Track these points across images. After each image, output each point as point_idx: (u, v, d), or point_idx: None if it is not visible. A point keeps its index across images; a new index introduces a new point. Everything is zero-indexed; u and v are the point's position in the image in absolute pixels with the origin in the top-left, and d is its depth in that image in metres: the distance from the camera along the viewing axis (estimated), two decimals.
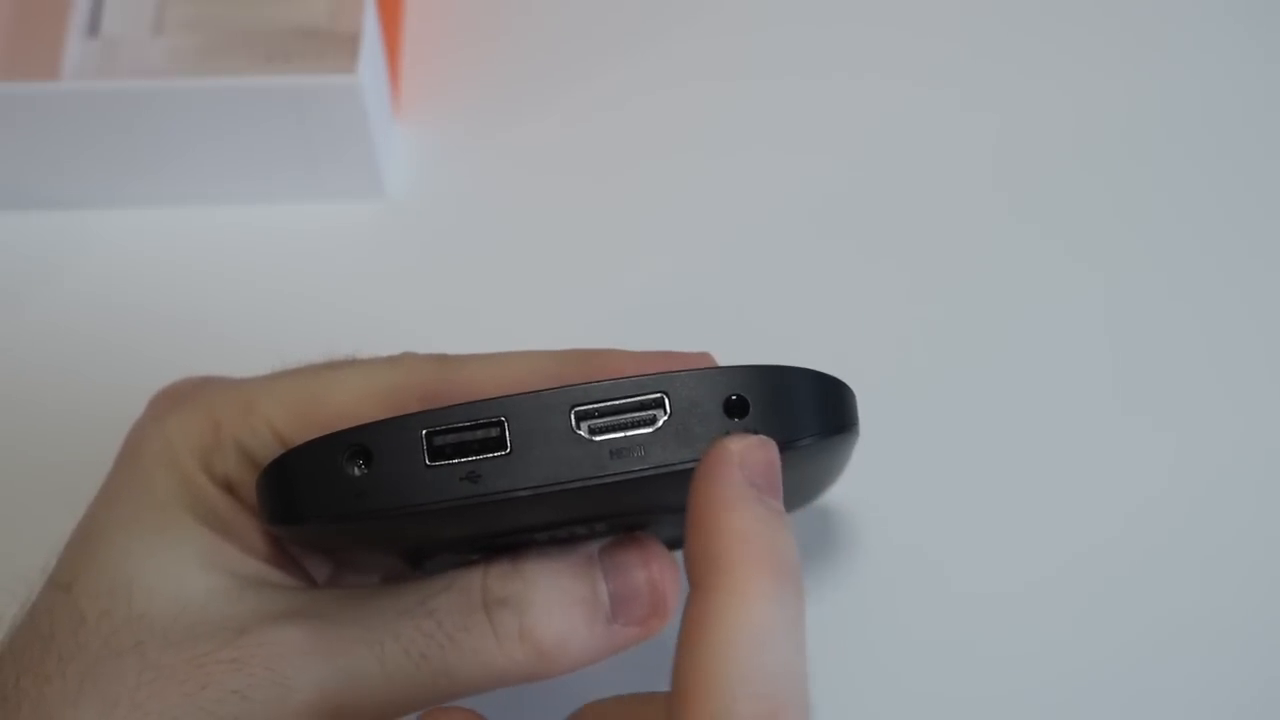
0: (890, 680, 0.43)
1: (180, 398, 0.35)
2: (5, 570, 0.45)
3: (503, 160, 0.52)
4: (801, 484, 0.36)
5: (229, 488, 0.34)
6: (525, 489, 0.29)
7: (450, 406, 0.30)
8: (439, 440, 0.30)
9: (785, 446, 0.30)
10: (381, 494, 0.29)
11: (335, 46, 0.48)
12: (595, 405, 0.30)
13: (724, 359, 0.48)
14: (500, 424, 0.29)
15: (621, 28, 0.55)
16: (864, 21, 0.55)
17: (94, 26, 0.49)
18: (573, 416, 0.30)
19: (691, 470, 0.29)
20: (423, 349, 0.48)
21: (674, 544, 0.38)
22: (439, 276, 0.50)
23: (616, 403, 0.30)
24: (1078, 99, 0.53)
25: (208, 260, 0.50)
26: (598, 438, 0.29)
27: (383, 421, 0.30)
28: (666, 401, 0.30)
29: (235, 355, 0.48)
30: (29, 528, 0.46)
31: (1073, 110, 0.52)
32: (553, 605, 0.32)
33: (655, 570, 0.33)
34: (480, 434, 0.29)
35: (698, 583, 0.27)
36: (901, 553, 0.44)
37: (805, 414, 0.30)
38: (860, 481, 0.40)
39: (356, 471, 0.29)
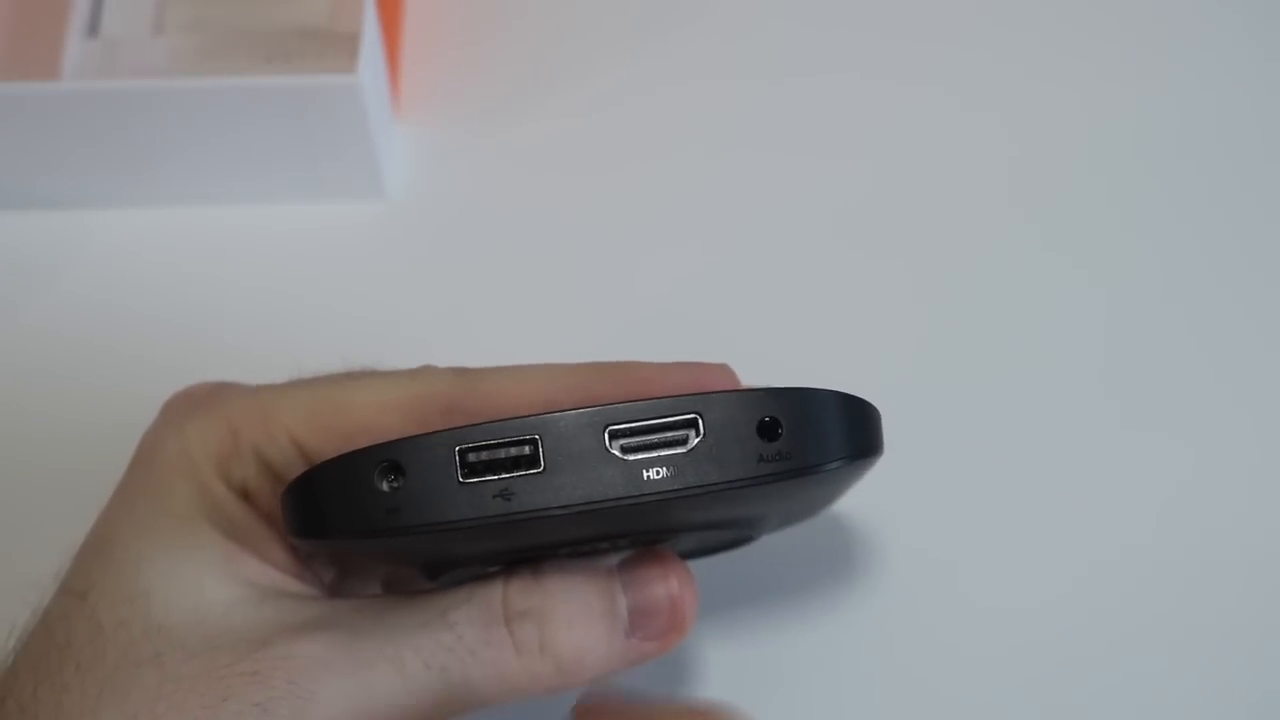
0: (910, 685, 0.43)
1: (196, 404, 0.35)
2: (5, 572, 0.45)
3: (503, 160, 0.52)
4: (816, 500, 0.36)
5: (246, 496, 0.34)
6: (558, 508, 0.29)
7: (484, 423, 0.30)
8: (473, 457, 0.29)
9: (814, 470, 0.30)
10: (413, 511, 0.29)
11: (335, 46, 0.48)
12: (629, 425, 0.30)
13: (730, 360, 0.48)
14: (534, 442, 0.29)
15: (622, 27, 0.55)
16: (870, 22, 0.55)
17: (94, 26, 0.48)
18: (606, 435, 0.30)
19: (723, 491, 0.29)
20: (422, 348, 0.48)
21: (689, 555, 0.39)
22: (439, 277, 0.50)
23: (650, 423, 0.30)
24: (1093, 110, 0.53)
25: (208, 260, 0.50)
26: (630, 457, 0.29)
27: (415, 437, 0.30)
28: (700, 422, 0.30)
29: (235, 355, 0.49)
30: (28, 529, 0.46)
31: (1089, 121, 0.52)
32: (573, 619, 0.33)
33: (674, 585, 0.34)
34: (514, 451, 0.29)
35: None
36: (917, 560, 0.44)
37: (836, 438, 0.31)
38: (877, 488, 0.40)
39: (388, 487, 0.29)
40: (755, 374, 0.47)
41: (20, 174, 0.50)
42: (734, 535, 0.37)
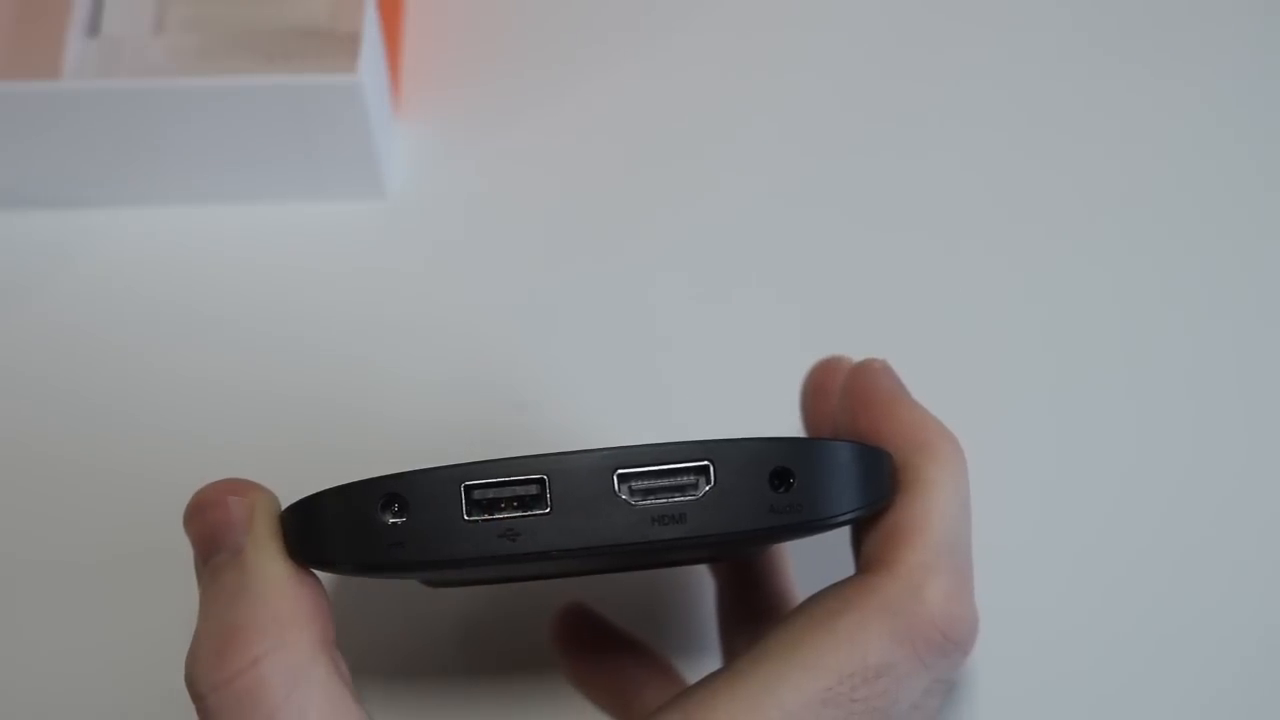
0: None
1: None
2: (7, 564, 0.46)
3: (503, 160, 0.52)
4: None
5: None
6: (560, 551, 0.29)
7: (492, 460, 0.29)
8: (478, 494, 0.29)
9: (825, 522, 0.30)
10: (416, 546, 0.29)
11: (335, 46, 0.48)
12: (639, 469, 0.29)
13: (728, 359, 0.48)
14: (541, 482, 0.29)
15: (622, 26, 0.55)
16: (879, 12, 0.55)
17: (94, 26, 0.48)
18: (615, 479, 0.29)
19: (730, 540, 0.29)
20: (423, 349, 0.49)
21: (690, 561, 0.38)
22: (439, 276, 0.50)
23: (660, 468, 0.29)
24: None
25: (208, 260, 0.50)
26: (638, 502, 0.29)
27: (421, 471, 0.29)
28: (711, 470, 0.29)
29: (235, 355, 0.49)
30: (26, 527, 0.46)
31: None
32: None
33: None
34: (520, 491, 0.29)
35: (914, 459, 0.31)
36: None
37: (848, 489, 0.30)
38: None
39: (391, 520, 0.29)
40: (752, 371, 0.47)
41: (20, 174, 0.50)
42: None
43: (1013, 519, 0.45)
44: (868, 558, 0.31)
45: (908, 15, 0.55)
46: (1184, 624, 0.44)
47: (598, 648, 0.43)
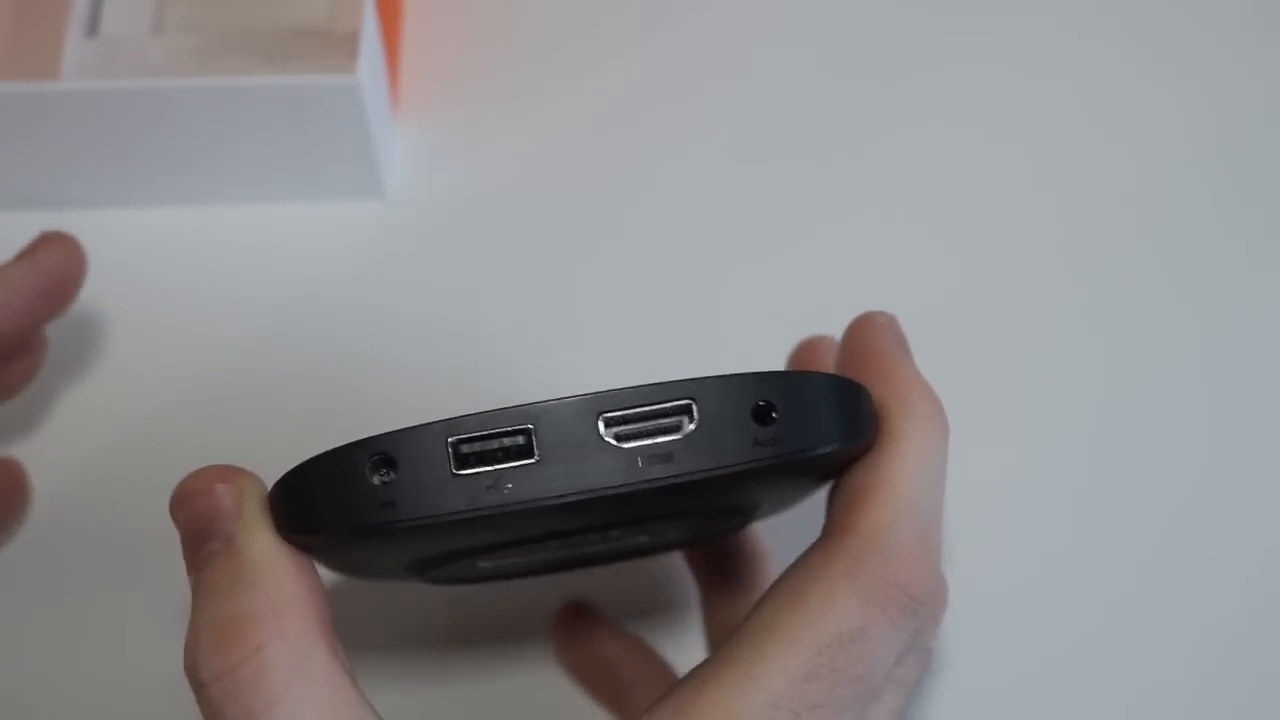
0: None
1: None
2: (4, 554, 0.46)
3: (502, 160, 0.52)
4: (810, 484, 0.36)
5: None
6: (553, 497, 0.29)
7: (476, 414, 0.29)
8: (465, 449, 0.29)
9: (808, 453, 0.30)
10: (407, 504, 0.28)
11: (335, 46, 0.48)
12: (623, 412, 0.29)
13: (729, 357, 0.48)
14: (528, 432, 0.29)
15: (622, 27, 0.55)
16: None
17: (94, 26, 0.49)
18: (600, 423, 0.29)
19: (718, 476, 0.29)
20: (422, 349, 0.49)
21: (681, 543, 0.38)
22: (439, 276, 0.50)
23: (644, 409, 0.29)
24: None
25: (208, 260, 0.50)
26: (625, 445, 0.29)
27: (408, 429, 0.29)
28: (694, 408, 0.29)
29: (235, 355, 0.49)
30: (25, 530, 0.46)
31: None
32: None
33: None
34: (507, 442, 0.29)
35: (891, 414, 0.32)
36: None
37: (829, 421, 0.30)
38: None
39: (379, 481, 0.29)
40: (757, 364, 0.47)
41: (20, 174, 0.50)
42: (726, 523, 0.37)
43: (1007, 510, 0.45)
44: (833, 520, 0.32)
45: (914, 10, 0.55)
46: (1172, 618, 0.44)
47: (596, 645, 0.43)
